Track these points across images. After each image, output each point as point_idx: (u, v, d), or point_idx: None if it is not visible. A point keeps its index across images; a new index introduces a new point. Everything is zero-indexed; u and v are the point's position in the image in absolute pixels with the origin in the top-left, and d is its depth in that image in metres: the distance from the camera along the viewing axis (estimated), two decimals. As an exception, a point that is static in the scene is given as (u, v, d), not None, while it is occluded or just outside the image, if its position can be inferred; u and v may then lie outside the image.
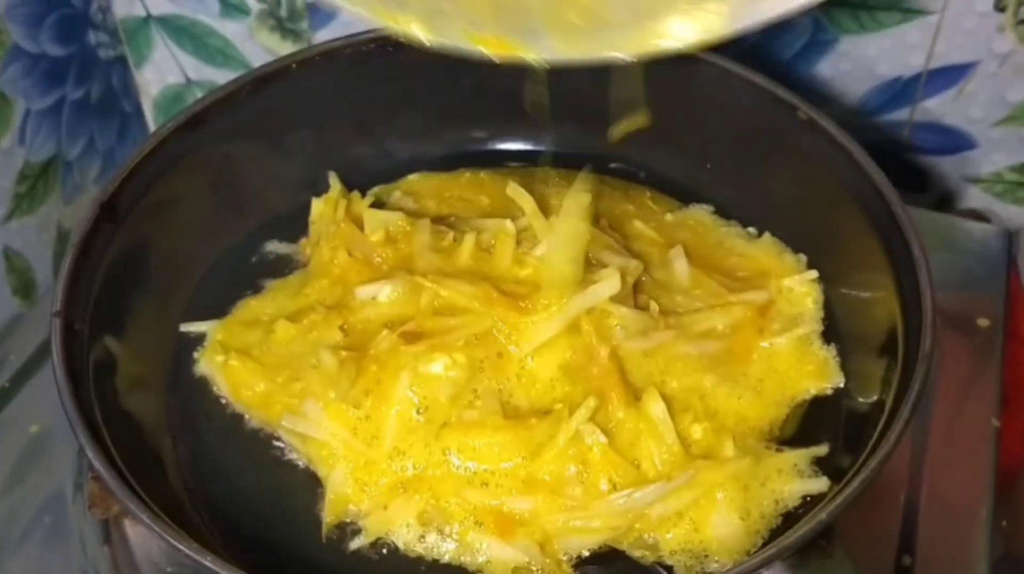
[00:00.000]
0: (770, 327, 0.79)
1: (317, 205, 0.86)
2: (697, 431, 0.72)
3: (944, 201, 1.13)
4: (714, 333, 0.78)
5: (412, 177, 0.92)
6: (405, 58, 0.87)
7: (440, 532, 0.70)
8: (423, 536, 0.70)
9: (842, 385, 0.77)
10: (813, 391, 0.77)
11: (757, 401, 0.75)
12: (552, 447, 0.70)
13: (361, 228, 0.83)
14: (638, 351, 0.75)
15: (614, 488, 0.69)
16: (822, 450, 0.73)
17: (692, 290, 0.81)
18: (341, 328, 0.77)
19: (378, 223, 0.83)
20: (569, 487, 0.69)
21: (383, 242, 0.82)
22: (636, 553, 0.69)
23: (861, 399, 0.75)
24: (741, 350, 0.78)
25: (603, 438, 0.70)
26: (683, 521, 0.69)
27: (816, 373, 0.77)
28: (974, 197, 1.11)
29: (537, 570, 0.68)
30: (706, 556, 0.68)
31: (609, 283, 0.75)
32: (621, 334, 0.75)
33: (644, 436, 0.71)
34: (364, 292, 0.78)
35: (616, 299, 0.76)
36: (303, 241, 0.87)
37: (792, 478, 0.71)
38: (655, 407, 0.71)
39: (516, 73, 0.90)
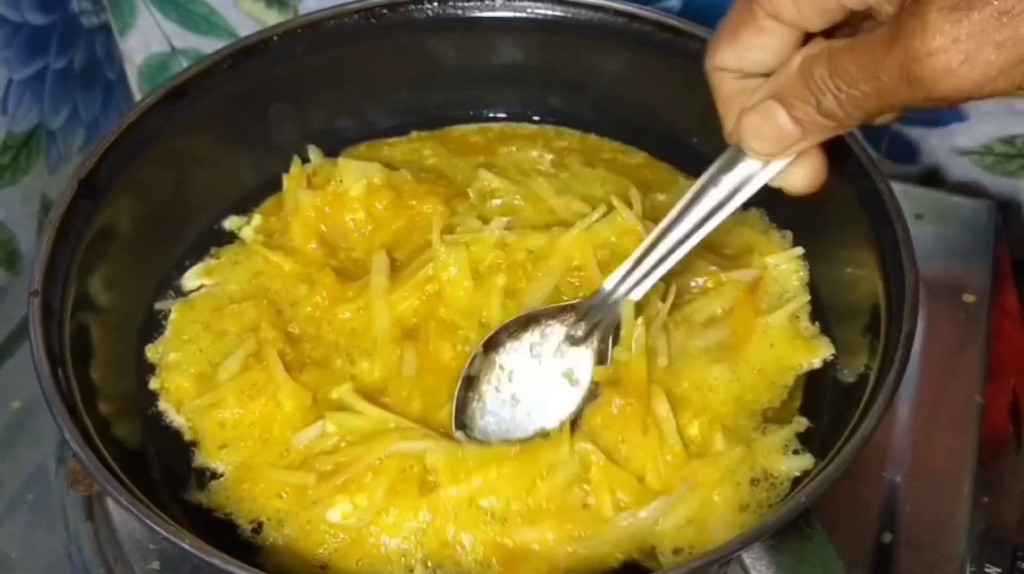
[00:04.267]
0: (759, 305, 0.78)
1: (287, 181, 0.85)
2: (694, 427, 0.71)
3: (934, 173, 1.12)
4: (715, 320, 0.77)
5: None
6: (389, 29, 0.87)
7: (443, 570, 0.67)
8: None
9: (832, 357, 0.76)
10: (805, 366, 0.76)
11: (758, 381, 0.75)
12: (556, 467, 0.68)
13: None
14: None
15: (619, 506, 0.67)
16: (801, 426, 0.72)
17: (683, 271, 0.80)
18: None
19: (357, 174, 0.82)
20: (574, 512, 0.67)
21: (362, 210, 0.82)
22: (648, 564, 0.67)
23: (846, 372, 0.74)
24: (742, 331, 0.77)
25: (601, 457, 0.68)
26: (691, 526, 0.67)
27: (805, 347, 0.77)
28: (964, 169, 1.11)
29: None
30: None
31: None
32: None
33: (648, 439, 0.69)
34: (300, 440, 0.72)
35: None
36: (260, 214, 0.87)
37: (779, 457, 0.71)
38: (660, 407, 0.70)
39: (501, 43, 0.90)
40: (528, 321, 0.74)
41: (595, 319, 0.73)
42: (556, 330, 0.73)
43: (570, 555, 0.66)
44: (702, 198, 0.67)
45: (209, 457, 0.72)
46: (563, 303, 0.74)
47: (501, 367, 0.73)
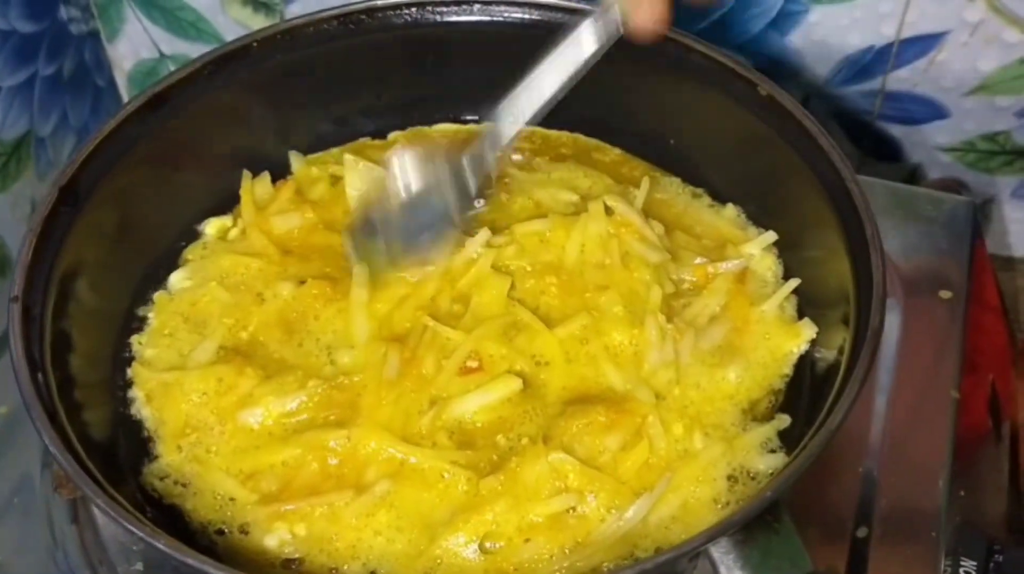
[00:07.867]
0: (751, 295, 0.79)
1: (243, 194, 0.86)
2: (679, 427, 0.72)
3: (917, 171, 1.13)
4: (716, 318, 0.78)
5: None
6: (368, 35, 0.88)
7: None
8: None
9: (816, 336, 0.77)
10: (796, 351, 0.77)
11: (759, 375, 0.76)
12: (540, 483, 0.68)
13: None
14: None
15: (604, 507, 0.68)
16: (783, 423, 0.73)
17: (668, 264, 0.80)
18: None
19: (362, 178, 0.83)
20: (563, 520, 0.68)
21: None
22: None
23: (821, 367, 0.75)
24: (741, 324, 0.78)
25: (576, 464, 0.69)
26: (675, 524, 0.68)
27: (792, 332, 0.77)
28: (946, 166, 1.11)
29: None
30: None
31: None
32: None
33: (633, 450, 0.70)
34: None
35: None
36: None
37: (757, 455, 0.71)
38: (654, 424, 0.71)
39: (479, 46, 0.91)
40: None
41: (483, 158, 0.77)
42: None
43: (567, 570, 0.66)
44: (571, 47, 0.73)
45: (168, 452, 0.73)
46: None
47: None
